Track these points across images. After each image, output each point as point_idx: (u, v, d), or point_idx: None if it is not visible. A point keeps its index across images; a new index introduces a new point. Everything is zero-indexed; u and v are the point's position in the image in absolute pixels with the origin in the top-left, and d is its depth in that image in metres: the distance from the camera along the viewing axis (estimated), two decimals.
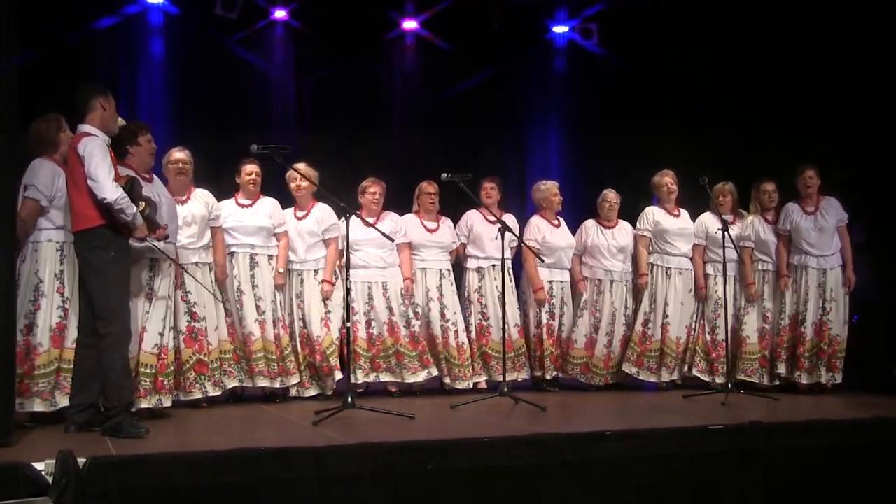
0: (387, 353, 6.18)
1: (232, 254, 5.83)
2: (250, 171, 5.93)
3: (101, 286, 4.40)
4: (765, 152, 7.31)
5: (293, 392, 5.96)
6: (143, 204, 4.49)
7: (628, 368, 6.70)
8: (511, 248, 6.56)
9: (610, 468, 3.96)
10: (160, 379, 5.03)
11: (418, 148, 7.98)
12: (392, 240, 6.00)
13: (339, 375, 6.00)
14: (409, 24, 8.46)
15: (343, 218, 5.50)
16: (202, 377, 5.38)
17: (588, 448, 3.96)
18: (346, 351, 5.91)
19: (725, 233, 6.11)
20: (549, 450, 3.90)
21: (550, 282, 6.66)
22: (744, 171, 7.09)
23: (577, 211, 7.31)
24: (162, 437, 4.38)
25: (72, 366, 4.63)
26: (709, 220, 6.78)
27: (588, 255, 6.83)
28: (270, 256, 5.91)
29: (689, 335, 6.73)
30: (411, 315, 6.27)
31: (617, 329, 6.71)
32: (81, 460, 3.19)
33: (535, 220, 6.79)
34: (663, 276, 6.75)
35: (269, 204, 5.98)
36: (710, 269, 6.79)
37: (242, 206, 5.93)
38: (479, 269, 6.60)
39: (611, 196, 6.87)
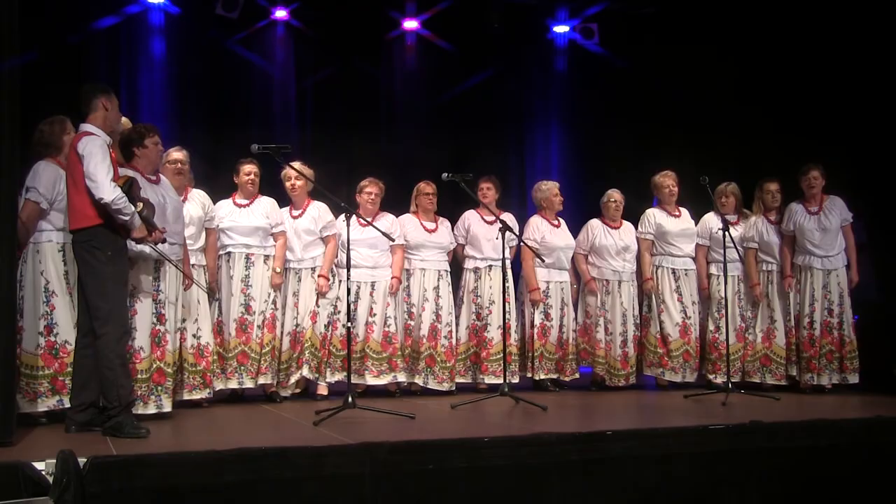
0: (357, 356, 6.14)
1: (228, 254, 5.83)
2: (248, 171, 5.93)
3: (96, 286, 4.40)
4: (766, 152, 7.30)
5: (269, 391, 5.96)
6: (140, 205, 4.48)
7: (653, 371, 6.71)
8: (510, 248, 6.56)
9: (610, 468, 3.97)
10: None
11: (418, 148, 7.99)
12: (392, 239, 6.00)
13: (297, 375, 5.96)
14: (410, 24, 8.46)
15: (342, 217, 5.49)
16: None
17: (588, 448, 3.96)
18: (343, 351, 5.98)
19: (726, 233, 6.11)
20: (549, 450, 3.90)
21: (548, 282, 6.66)
22: (745, 171, 7.09)
23: (576, 211, 7.32)
24: (162, 437, 4.38)
25: None
26: (712, 221, 6.77)
27: (595, 255, 6.82)
28: (266, 257, 5.91)
29: (701, 336, 6.74)
30: (391, 314, 6.25)
31: (630, 330, 6.72)
32: (82, 460, 3.19)
33: (535, 220, 6.79)
34: (671, 277, 6.75)
35: (266, 204, 5.98)
36: (713, 269, 6.79)
37: (239, 205, 5.93)
38: (476, 270, 6.60)
39: (616, 196, 6.87)
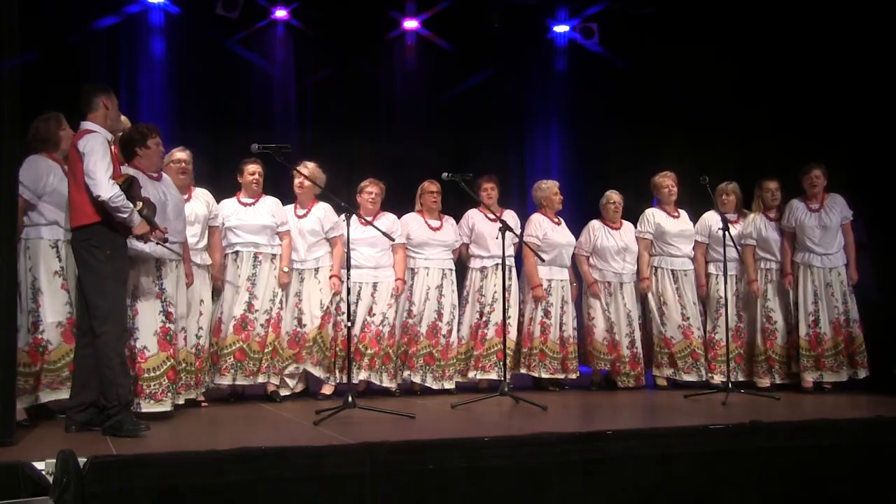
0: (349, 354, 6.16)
1: (236, 252, 5.84)
2: (253, 170, 5.93)
3: (95, 284, 4.40)
4: (766, 152, 7.30)
5: (269, 390, 5.95)
6: (140, 204, 4.48)
7: (663, 372, 6.72)
8: (513, 245, 6.57)
9: (610, 468, 3.97)
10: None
11: (418, 148, 7.99)
12: (392, 239, 6.00)
13: (293, 369, 5.98)
14: (410, 24, 8.46)
15: (343, 217, 5.50)
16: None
17: (588, 448, 3.97)
18: (347, 350, 5.96)
19: (726, 232, 6.11)
20: (549, 450, 3.91)
21: (549, 280, 6.66)
22: (745, 171, 7.09)
23: (576, 210, 7.33)
24: (162, 437, 4.38)
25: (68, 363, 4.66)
26: (711, 219, 6.77)
27: (596, 257, 6.82)
28: (274, 255, 5.91)
29: (706, 335, 6.74)
30: (388, 315, 6.24)
31: (636, 331, 6.72)
32: (82, 460, 3.20)
33: (537, 218, 6.79)
34: (670, 277, 6.75)
35: (271, 203, 5.99)
36: (712, 269, 6.80)
37: (245, 204, 5.93)
38: (482, 269, 6.59)
39: (615, 197, 6.87)
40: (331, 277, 6.08)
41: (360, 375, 6.13)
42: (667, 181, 6.86)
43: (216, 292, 5.71)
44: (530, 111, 8.98)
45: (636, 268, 6.82)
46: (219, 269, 5.71)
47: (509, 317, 6.34)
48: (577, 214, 7.17)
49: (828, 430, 4.44)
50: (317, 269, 6.10)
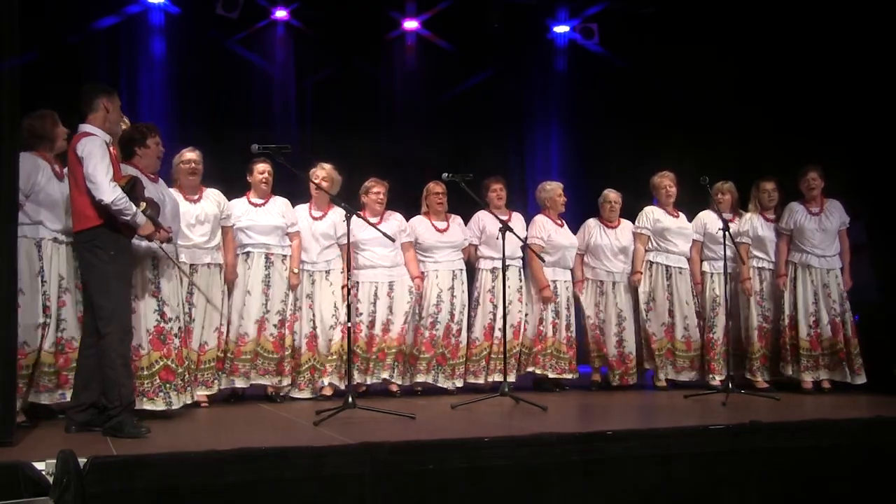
0: (374, 354, 6.17)
1: (247, 253, 5.84)
2: (262, 170, 5.93)
3: (100, 285, 4.40)
4: (766, 152, 7.31)
5: (284, 392, 5.95)
6: (143, 204, 4.49)
7: (650, 365, 6.74)
8: (521, 247, 6.58)
9: (610, 468, 3.97)
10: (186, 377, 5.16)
11: (418, 148, 7.99)
12: (393, 240, 6.00)
13: (336, 381, 6.00)
14: (410, 24, 8.47)
15: (346, 218, 5.50)
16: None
17: (589, 448, 3.96)
18: (368, 354, 6.10)
19: (726, 232, 6.11)
20: (549, 450, 3.90)
21: (554, 281, 6.67)
22: (744, 171, 7.09)
23: (577, 211, 7.32)
24: (162, 437, 4.38)
25: (50, 367, 4.65)
26: (707, 217, 6.78)
27: (590, 255, 6.83)
28: (285, 256, 5.91)
29: (702, 336, 6.74)
30: (412, 315, 6.26)
31: (627, 330, 6.72)
32: (82, 460, 3.19)
33: (541, 219, 6.80)
34: (663, 274, 6.75)
35: (281, 203, 5.99)
36: (706, 267, 6.81)
37: (255, 205, 5.93)
38: (493, 270, 6.58)
39: (612, 196, 6.88)
40: (343, 288, 6.04)
41: (383, 374, 6.16)
42: (665, 181, 6.87)
43: (230, 290, 5.71)
44: (530, 111, 8.98)
45: (630, 268, 6.82)
46: (232, 269, 5.71)
47: (525, 315, 6.43)
48: (578, 215, 7.17)
49: (828, 430, 4.44)
50: (328, 272, 6.10)
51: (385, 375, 6.17)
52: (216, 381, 5.62)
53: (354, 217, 5.25)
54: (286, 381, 5.87)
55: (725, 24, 7.70)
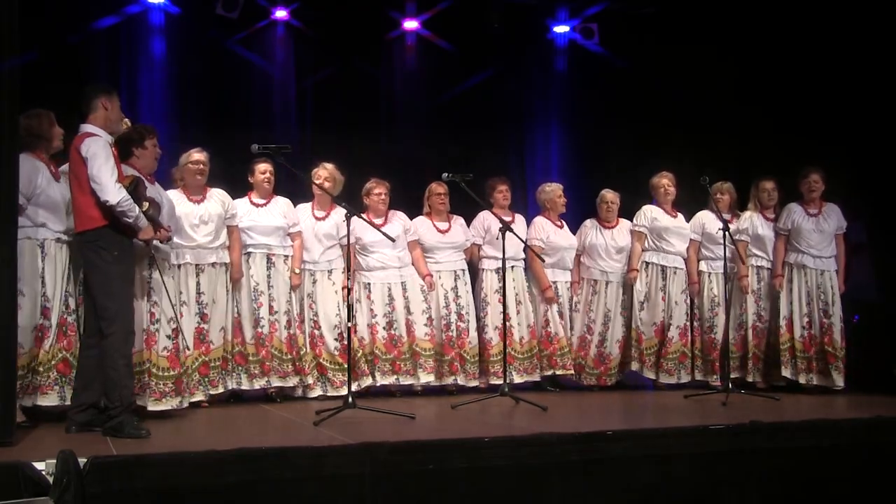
0: (404, 357, 6.19)
1: (249, 254, 5.83)
2: (263, 170, 5.94)
3: (103, 286, 4.41)
4: (765, 152, 7.30)
5: (299, 392, 5.96)
6: (146, 204, 4.51)
7: (634, 366, 6.72)
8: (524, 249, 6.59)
9: (610, 468, 3.97)
10: (180, 380, 5.10)
11: (418, 148, 7.98)
12: (393, 240, 5.99)
13: (366, 381, 6.04)
14: (410, 24, 8.45)
15: (354, 219, 5.50)
16: (205, 378, 5.43)
17: (589, 448, 3.97)
18: (390, 354, 6.14)
19: (726, 233, 6.11)
20: (549, 450, 3.91)
21: (554, 282, 6.69)
22: (744, 172, 7.09)
23: (577, 211, 7.32)
24: (162, 437, 4.38)
25: (49, 368, 4.63)
26: (706, 217, 6.79)
27: (586, 254, 6.85)
28: (286, 257, 5.92)
29: (682, 335, 6.72)
30: (430, 313, 6.28)
31: (612, 330, 6.72)
32: (82, 460, 3.19)
33: (540, 221, 6.81)
34: (659, 274, 6.75)
35: (283, 204, 6.00)
36: (703, 267, 6.81)
37: (257, 205, 5.94)
38: (498, 270, 6.58)
39: (609, 196, 6.88)
40: (343, 289, 6.06)
41: (424, 377, 6.20)
42: (664, 181, 6.87)
43: (236, 290, 5.72)
44: (530, 111, 8.97)
45: (625, 268, 6.82)
46: (238, 269, 5.71)
47: (518, 318, 6.42)
48: (578, 215, 7.17)
49: (828, 430, 4.44)
50: (330, 272, 6.10)
51: (429, 379, 6.20)
52: (221, 382, 5.61)
53: (358, 219, 5.26)
54: (309, 380, 5.88)
55: (725, 24, 7.69)
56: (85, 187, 4.37)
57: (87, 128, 4.48)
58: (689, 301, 6.78)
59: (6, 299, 4.03)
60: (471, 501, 3.75)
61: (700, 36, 7.82)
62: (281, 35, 8.10)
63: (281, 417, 5.34)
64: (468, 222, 6.70)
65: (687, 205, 6.95)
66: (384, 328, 6.19)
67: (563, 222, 6.89)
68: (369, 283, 6.21)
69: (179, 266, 5.40)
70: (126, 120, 4.97)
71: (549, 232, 6.71)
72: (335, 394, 5.97)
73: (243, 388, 5.74)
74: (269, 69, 8.09)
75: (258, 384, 5.74)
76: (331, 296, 6.05)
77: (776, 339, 6.61)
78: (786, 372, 6.55)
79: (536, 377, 6.60)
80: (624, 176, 7.45)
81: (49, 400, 4.66)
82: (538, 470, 3.85)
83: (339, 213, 6.10)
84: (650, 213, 6.82)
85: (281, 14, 8.02)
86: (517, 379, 6.45)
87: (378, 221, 6.17)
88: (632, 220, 6.91)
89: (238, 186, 6.04)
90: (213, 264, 5.54)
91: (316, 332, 6.01)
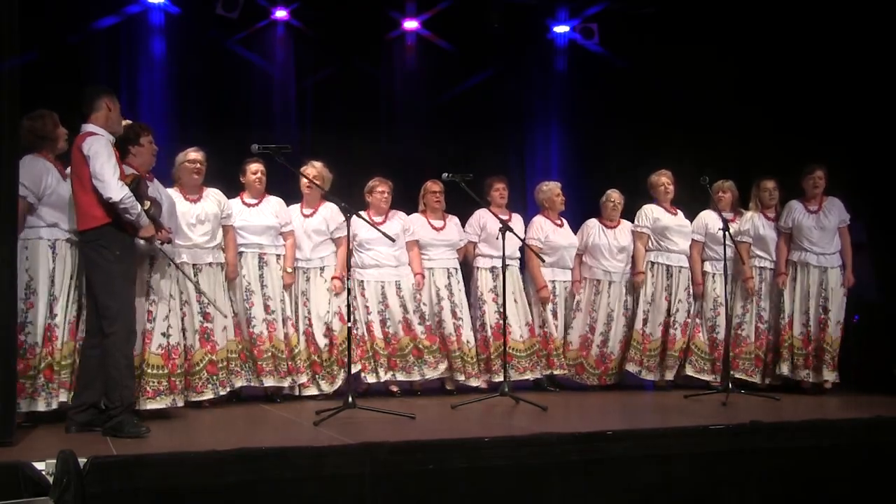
0: (403, 352, 6.20)
1: (241, 253, 5.84)
2: (255, 170, 5.94)
3: (105, 285, 4.41)
4: (766, 152, 7.31)
5: (296, 391, 5.96)
6: (147, 203, 4.51)
7: (632, 368, 6.70)
8: (521, 248, 6.58)
9: (611, 468, 3.97)
10: (173, 379, 5.09)
11: (418, 148, 7.98)
12: (393, 240, 6.00)
13: (354, 368, 5.97)
14: (410, 24, 8.45)
15: (346, 218, 5.51)
16: (213, 377, 5.43)
17: (589, 448, 3.96)
18: (362, 349, 6.08)
19: (726, 232, 6.11)
20: (549, 450, 3.90)
21: (553, 281, 6.68)
22: (745, 171, 7.09)
23: (577, 211, 7.32)
24: (162, 437, 4.38)
25: (63, 366, 4.65)
26: (709, 217, 6.78)
27: (588, 254, 6.84)
28: (279, 256, 5.93)
29: (684, 333, 6.73)
30: (425, 310, 6.28)
31: (615, 329, 6.71)
32: (82, 460, 3.20)
33: (539, 220, 6.80)
34: (664, 274, 6.75)
35: (275, 203, 6.00)
36: (708, 267, 6.80)
37: (249, 205, 5.94)
38: (493, 269, 6.58)
39: (615, 196, 6.88)
40: (333, 279, 6.07)
41: (429, 373, 6.24)
42: (663, 179, 6.87)
43: (231, 290, 5.71)
44: (530, 111, 8.97)
45: (628, 268, 6.82)
46: (233, 268, 5.71)
47: (529, 319, 6.42)
48: (578, 215, 7.17)
49: (828, 430, 4.44)
50: (322, 269, 6.11)
51: (433, 374, 6.24)
52: (228, 381, 5.61)
53: (356, 217, 5.27)
54: (303, 378, 5.89)
55: (725, 24, 7.69)
56: (87, 186, 4.37)
57: (88, 127, 4.49)
58: (691, 300, 6.77)
59: (6, 299, 4.03)
60: (471, 501, 3.75)
61: (700, 36, 7.82)
62: (281, 35, 8.10)
63: (281, 417, 5.34)
64: (464, 222, 6.70)
65: (687, 204, 6.95)
66: (379, 325, 6.19)
67: (564, 221, 6.88)
68: (363, 281, 6.21)
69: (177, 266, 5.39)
70: (126, 121, 4.97)
71: (547, 231, 6.71)
72: (330, 389, 6.00)
73: (241, 385, 5.74)
74: (269, 69, 8.10)
75: (254, 383, 5.74)
76: (323, 293, 6.06)
77: (777, 338, 6.60)
78: (783, 370, 6.55)
79: (538, 373, 6.58)
80: (624, 176, 7.45)
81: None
82: (538, 470, 3.85)
83: (327, 208, 6.13)
84: (652, 214, 6.81)
85: (281, 14, 8.02)
86: (516, 376, 6.43)
87: (378, 219, 6.18)
88: (632, 221, 6.90)
89: (237, 186, 6.04)
90: (210, 264, 5.54)
91: (310, 329, 6.01)
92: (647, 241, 6.82)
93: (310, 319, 6.03)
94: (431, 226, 6.51)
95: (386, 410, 5.08)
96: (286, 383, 5.84)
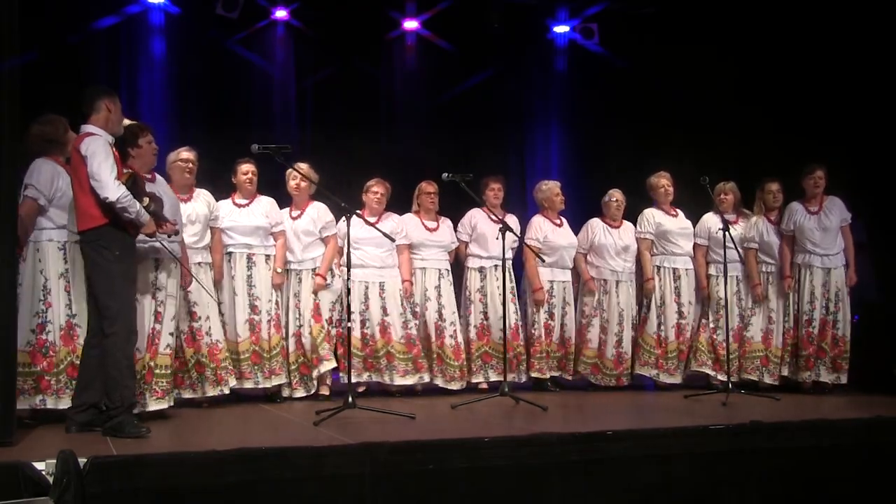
0: (377, 355, 6.18)
1: (229, 254, 5.84)
2: (246, 170, 5.94)
3: (105, 285, 4.41)
4: (766, 152, 7.31)
5: (284, 393, 5.95)
6: (146, 200, 4.50)
7: (647, 372, 6.69)
8: (512, 249, 6.56)
9: (610, 468, 3.97)
10: (179, 376, 5.14)
11: (418, 148, 7.98)
12: (393, 239, 6.00)
13: (326, 366, 5.93)
14: (410, 24, 8.46)
15: (343, 217, 5.50)
16: (202, 377, 5.43)
17: (589, 448, 3.96)
18: (344, 349, 5.95)
19: (726, 233, 6.11)
20: (549, 450, 3.90)
21: (552, 281, 6.67)
22: (745, 171, 7.09)
23: (577, 211, 7.32)
24: (162, 437, 4.38)
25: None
26: (711, 220, 6.76)
27: (594, 254, 6.82)
28: (268, 256, 5.92)
29: (691, 335, 6.73)
30: (409, 317, 6.27)
31: (626, 330, 6.71)
32: (82, 460, 3.19)
33: (538, 220, 6.79)
34: (671, 277, 6.74)
35: (266, 203, 5.98)
36: (712, 270, 6.78)
37: (239, 205, 5.94)
38: (481, 269, 6.59)
39: (618, 196, 6.87)
40: (315, 275, 6.05)
41: (399, 379, 6.17)
42: (662, 180, 6.87)
43: (217, 291, 5.71)
44: (530, 111, 8.97)
45: (634, 267, 6.82)
46: (219, 270, 5.72)
47: (516, 319, 6.33)
48: (578, 214, 7.17)
49: (828, 430, 4.44)
50: (313, 270, 6.10)
51: (402, 382, 6.17)
52: (227, 379, 5.62)
53: (355, 216, 5.27)
54: (277, 381, 5.85)
55: (725, 24, 7.70)
56: (85, 186, 4.37)
57: (87, 128, 4.49)
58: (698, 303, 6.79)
59: (6, 299, 4.04)
60: (471, 501, 3.75)
61: (700, 36, 7.83)
62: (281, 35, 8.10)
63: (281, 417, 5.34)
64: (457, 224, 6.69)
65: (687, 205, 6.95)
66: (358, 325, 6.17)
67: (563, 220, 6.87)
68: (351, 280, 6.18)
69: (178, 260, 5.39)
70: (126, 121, 4.97)
71: (546, 231, 6.70)
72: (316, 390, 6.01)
73: (233, 385, 5.73)
74: (269, 69, 8.10)
75: (248, 384, 5.73)
76: (312, 295, 6.04)
77: (784, 340, 6.60)
78: (786, 371, 6.56)
79: (537, 374, 6.56)
80: (624, 176, 7.45)
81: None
82: (538, 470, 3.85)
83: (315, 208, 6.13)
84: (654, 219, 6.81)
85: (281, 14, 8.02)
86: (494, 377, 6.44)
87: (371, 220, 6.16)
88: (632, 222, 6.89)
89: (233, 187, 6.04)
90: (200, 263, 5.53)
91: (300, 331, 5.99)
92: (651, 247, 6.82)
93: (300, 321, 6.02)
94: (425, 226, 6.51)
95: (386, 410, 5.08)
96: (261, 384, 5.78)
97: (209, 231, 5.66)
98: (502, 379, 6.30)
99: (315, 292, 6.01)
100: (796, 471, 4.24)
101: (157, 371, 4.99)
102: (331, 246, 6.11)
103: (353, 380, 6.06)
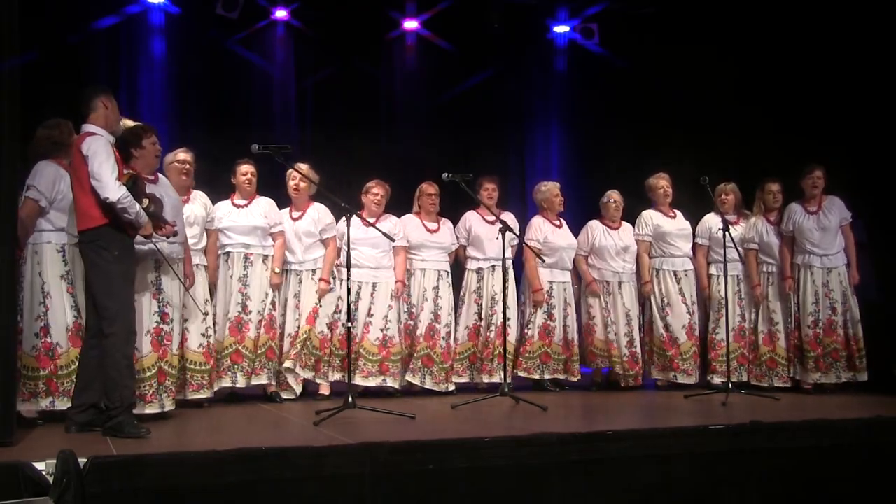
0: (353, 355, 6.16)
1: (227, 253, 5.84)
2: (245, 171, 5.94)
3: (104, 285, 4.41)
4: (766, 152, 7.30)
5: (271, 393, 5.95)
6: (146, 201, 4.50)
7: (664, 375, 6.69)
8: (511, 248, 6.56)
9: (610, 468, 3.97)
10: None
11: (418, 148, 7.98)
12: (393, 239, 6.00)
13: (287, 365, 5.90)
14: (410, 24, 8.46)
15: (343, 218, 5.50)
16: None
17: (589, 448, 3.96)
18: (343, 350, 5.98)
19: (726, 233, 6.11)
20: (549, 450, 3.90)
21: (551, 282, 6.67)
22: (745, 171, 7.09)
23: (577, 211, 7.33)
24: (162, 437, 4.38)
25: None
26: (712, 221, 6.76)
27: (594, 256, 6.82)
28: (265, 256, 5.91)
29: (696, 335, 6.74)
30: (392, 319, 6.24)
31: (634, 330, 6.71)
32: (82, 460, 3.19)
33: (537, 221, 6.79)
34: (672, 278, 6.74)
35: (264, 203, 5.98)
36: (713, 270, 6.78)
37: (238, 206, 5.94)
38: (478, 271, 6.60)
39: (615, 196, 6.87)
40: (319, 280, 6.05)
41: (360, 381, 6.09)
42: (661, 181, 6.87)
43: (212, 292, 5.72)
44: (530, 111, 8.98)
45: (635, 268, 6.82)
46: (213, 272, 5.73)
47: (508, 318, 6.30)
48: (578, 215, 7.17)
49: (828, 430, 4.43)
50: (314, 271, 6.10)
51: (363, 383, 6.13)
52: (226, 378, 5.65)
53: (354, 216, 5.27)
54: (258, 381, 5.83)
55: (725, 24, 7.69)
56: (86, 186, 4.37)
57: (88, 128, 4.49)
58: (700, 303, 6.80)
59: (6, 300, 4.04)
60: (471, 501, 3.74)
61: (700, 36, 7.82)
62: (281, 35, 8.10)
63: (281, 417, 5.34)
64: (456, 225, 6.70)
65: (687, 205, 6.95)
66: (343, 325, 6.15)
67: (563, 221, 6.87)
68: (342, 280, 6.18)
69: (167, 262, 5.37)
70: (125, 120, 4.96)
71: (546, 232, 6.70)
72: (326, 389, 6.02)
73: (222, 386, 5.74)
74: (269, 69, 8.10)
75: (224, 383, 5.71)
76: (312, 296, 6.03)
77: (787, 341, 6.59)
78: (791, 372, 6.56)
79: (496, 379, 6.45)
80: (624, 176, 7.46)
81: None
82: (538, 470, 3.85)
83: (315, 209, 6.13)
84: (652, 221, 6.81)
85: (281, 14, 8.03)
86: (484, 379, 6.44)
87: (370, 221, 6.15)
88: (632, 222, 6.89)
89: (232, 187, 6.04)
90: (197, 265, 5.52)
91: (298, 332, 5.99)
92: (650, 249, 6.82)
93: (299, 323, 6.01)
94: (425, 227, 6.51)
95: (386, 410, 5.08)
96: (241, 384, 5.75)
97: (205, 233, 5.66)
98: (489, 380, 6.33)
99: (320, 298, 6.00)
100: (796, 471, 4.23)
101: (171, 371, 4.98)
102: (331, 248, 6.11)
103: (331, 378, 6.09)
